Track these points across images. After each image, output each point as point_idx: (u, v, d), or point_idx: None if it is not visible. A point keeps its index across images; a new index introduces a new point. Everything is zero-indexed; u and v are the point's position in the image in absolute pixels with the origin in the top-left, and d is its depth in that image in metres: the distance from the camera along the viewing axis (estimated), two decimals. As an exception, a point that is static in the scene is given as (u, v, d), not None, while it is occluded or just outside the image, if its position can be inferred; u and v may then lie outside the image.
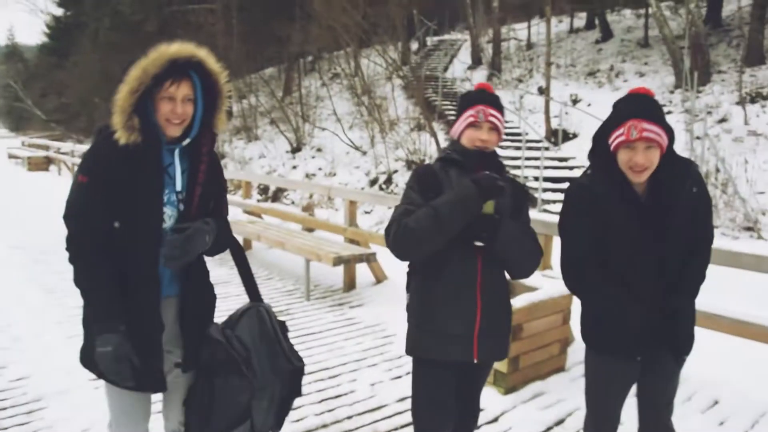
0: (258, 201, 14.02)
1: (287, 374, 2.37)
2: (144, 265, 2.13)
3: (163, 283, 2.19)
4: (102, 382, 2.24)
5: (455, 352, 2.38)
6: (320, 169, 18.05)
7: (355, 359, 4.57)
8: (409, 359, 2.55)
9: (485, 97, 2.49)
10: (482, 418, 3.41)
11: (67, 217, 2.13)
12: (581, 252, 2.34)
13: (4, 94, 54.85)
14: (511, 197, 2.44)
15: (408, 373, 4.17)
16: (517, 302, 3.91)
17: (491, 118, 2.43)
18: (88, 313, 2.19)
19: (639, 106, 2.25)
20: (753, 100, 13.29)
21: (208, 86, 2.18)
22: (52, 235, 8.81)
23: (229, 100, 2.26)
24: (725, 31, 17.72)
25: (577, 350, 4.46)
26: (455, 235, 2.29)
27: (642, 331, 2.29)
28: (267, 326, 2.39)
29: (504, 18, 23.92)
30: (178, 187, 2.19)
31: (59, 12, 41.85)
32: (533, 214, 2.98)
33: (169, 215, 2.17)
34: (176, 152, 2.19)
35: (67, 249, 2.11)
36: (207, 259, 2.40)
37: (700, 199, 2.32)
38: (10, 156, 27.02)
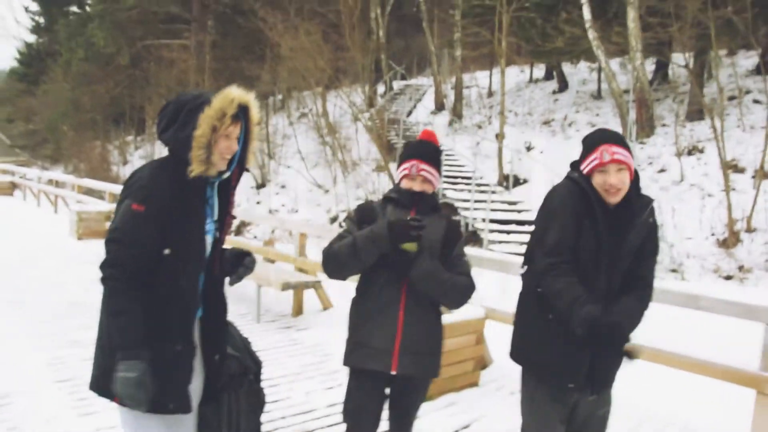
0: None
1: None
2: (188, 291, 2.30)
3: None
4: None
5: (375, 363, 2.67)
6: (283, 205, 18.59)
7: (294, 372, 5.06)
8: (344, 373, 2.93)
9: (420, 152, 2.83)
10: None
11: (114, 241, 2.20)
12: (569, 241, 2.42)
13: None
14: (444, 234, 2.76)
15: (340, 385, 4.70)
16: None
17: (423, 173, 2.77)
18: (111, 339, 2.21)
19: (608, 134, 2.50)
20: (690, 153, 14.26)
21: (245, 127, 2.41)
22: (16, 253, 9.31)
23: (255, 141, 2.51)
24: (671, 88, 18.90)
25: (492, 370, 5.05)
26: (375, 263, 2.64)
27: (582, 347, 2.42)
28: (237, 337, 2.65)
29: (467, 66, 24.95)
30: (215, 216, 2.43)
31: (32, 39, 42.19)
32: (478, 251, 3.30)
33: (209, 242, 2.38)
34: (215, 185, 2.42)
35: (104, 270, 2.18)
36: None
37: (652, 233, 2.52)
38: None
